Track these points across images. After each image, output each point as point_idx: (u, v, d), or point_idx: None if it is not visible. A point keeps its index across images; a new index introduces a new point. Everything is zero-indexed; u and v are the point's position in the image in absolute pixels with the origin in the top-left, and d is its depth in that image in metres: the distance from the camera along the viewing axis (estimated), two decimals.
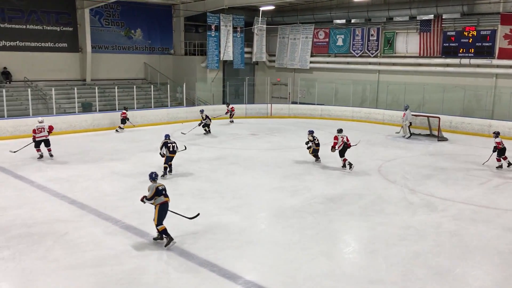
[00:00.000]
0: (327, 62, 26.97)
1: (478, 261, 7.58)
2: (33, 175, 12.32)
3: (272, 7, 24.27)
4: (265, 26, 28.04)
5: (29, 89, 19.61)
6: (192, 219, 8.57)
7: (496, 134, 13.84)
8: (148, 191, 8.10)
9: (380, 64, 24.88)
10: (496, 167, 13.85)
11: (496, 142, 13.62)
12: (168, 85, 24.24)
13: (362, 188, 11.70)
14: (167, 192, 8.17)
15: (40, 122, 14.45)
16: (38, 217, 9.17)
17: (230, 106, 23.25)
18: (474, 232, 8.84)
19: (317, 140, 14.37)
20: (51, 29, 23.04)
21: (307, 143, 14.35)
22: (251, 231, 8.83)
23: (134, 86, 22.94)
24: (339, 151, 13.57)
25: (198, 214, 8.72)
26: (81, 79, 24.18)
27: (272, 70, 29.71)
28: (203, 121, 19.44)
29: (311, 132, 14.30)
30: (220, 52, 26.68)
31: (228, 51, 27.00)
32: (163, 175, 12.14)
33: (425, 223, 9.27)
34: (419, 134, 19.56)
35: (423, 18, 22.90)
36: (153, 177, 8.28)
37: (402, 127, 19.61)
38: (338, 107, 25.18)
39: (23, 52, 22.17)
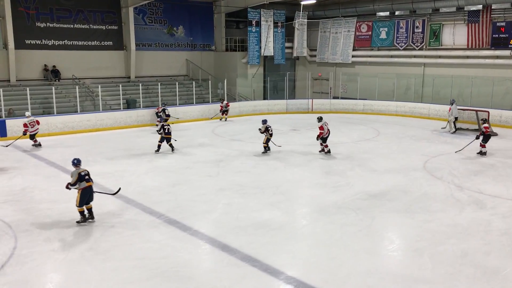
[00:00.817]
0: (370, 56, 26.45)
1: None
2: None
3: (313, 1, 24.00)
4: (306, 20, 27.79)
5: (77, 87, 20.34)
6: (115, 195, 9.45)
7: (484, 121, 14.88)
8: (71, 177, 8.56)
9: (425, 57, 24.14)
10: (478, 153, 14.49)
11: (485, 127, 14.27)
12: (210, 81, 24.50)
13: (407, 184, 11.41)
14: (91, 177, 8.75)
15: (28, 117, 15.69)
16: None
17: (225, 102, 22.49)
18: None
19: (271, 130, 14.97)
20: (97, 28, 23.76)
21: (262, 132, 14.92)
22: (292, 226, 8.80)
23: (176, 83, 23.31)
24: (322, 138, 14.42)
25: (120, 189, 9.57)
26: (125, 76, 24.82)
27: (313, 65, 29.43)
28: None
29: (264, 122, 14.98)
30: (260, 47, 26.69)
31: (268, 46, 26.97)
32: (157, 151, 14.78)
33: (473, 221, 8.94)
34: (467, 129, 18.87)
35: (471, 9, 22.02)
36: (75, 163, 8.83)
37: (448, 122, 18.97)
38: (381, 101, 24.65)
39: (71, 50, 22.97)
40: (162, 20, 26.04)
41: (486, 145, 14.44)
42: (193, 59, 27.16)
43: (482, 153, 14.40)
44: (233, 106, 23.93)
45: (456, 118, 18.60)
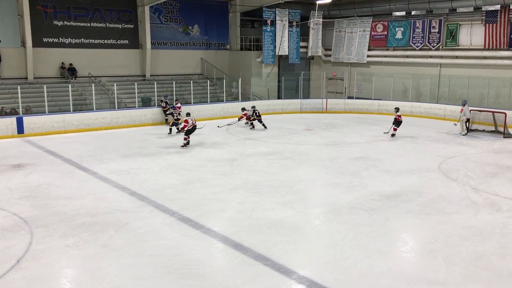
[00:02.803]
0: (385, 56, 26.26)
1: None
2: (96, 167, 12.91)
3: (328, 1, 23.90)
4: (321, 20, 27.70)
5: (93, 85, 20.56)
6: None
7: (397, 110, 17.72)
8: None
9: (441, 57, 23.88)
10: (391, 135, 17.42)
11: (398, 115, 17.37)
12: (224, 80, 24.57)
13: (421, 185, 11.31)
14: None
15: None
16: (101, 207, 9.61)
17: (178, 104, 19.97)
18: None
19: (258, 113, 18.72)
20: (114, 26, 23.99)
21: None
22: (305, 226, 8.78)
23: (191, 81, 23.43)
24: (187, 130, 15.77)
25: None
26: (141, 74, 25.03)
27: (328, 65, 29.32)
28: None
29: (253, 107, 18.73)
30: (275, 47, 26.68)
31: (283, 45, 26.94)
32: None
33: (489, 224, 8.83)
34: (483, 131, 18.62)
35: (489, 9, 21.72)
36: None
37: (460, 122, 18.57)
38: (396, 102, 24.38)
39: (88, 49, 23.25)
40: (177, 19, 26.20)
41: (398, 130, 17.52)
42: (208, 58, 27.26)
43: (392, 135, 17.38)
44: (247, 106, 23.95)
45: (468, 120, 18.24)
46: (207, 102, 23.56)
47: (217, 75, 26.50)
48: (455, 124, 18.57)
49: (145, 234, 8.23)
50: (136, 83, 21.85)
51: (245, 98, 25.13)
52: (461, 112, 18.36)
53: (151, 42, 24.52)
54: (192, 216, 9.10)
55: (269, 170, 12.74)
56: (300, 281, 6.60)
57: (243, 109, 18.84)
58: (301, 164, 13.53)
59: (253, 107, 19.22)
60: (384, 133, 18.26)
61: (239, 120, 19.98)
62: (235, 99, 25.17)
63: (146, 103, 22.47)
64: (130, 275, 6.73)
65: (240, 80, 24.34)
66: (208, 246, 7.83)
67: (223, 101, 24.35)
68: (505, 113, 18.08)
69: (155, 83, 22.61)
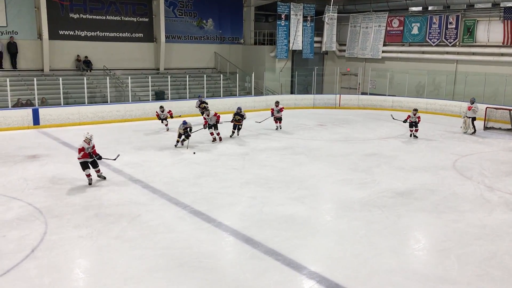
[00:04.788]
0: (401, 52, 25.94)
1: None
2: None
3: None
4: (336, 14, 27.45)
5: (107, 78, 20.71)
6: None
7: (415, 111, 16.62)
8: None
9: (458, 53, 23.54)
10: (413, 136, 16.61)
11: (408, 115, 16.63)
12: (237, 75, 24.54)
13: (435, 183, 11.20)
14: None
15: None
16: (114, 199, 9.71)
17: (167, 110, 17.73)
18: None
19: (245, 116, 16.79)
20: (129, 19, 24.09)
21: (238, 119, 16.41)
22: (316, 222, 8.77)
23: (204, 75, 23.46)
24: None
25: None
26: (155, 68, 25.11)
27: (342, 60, 29.10)
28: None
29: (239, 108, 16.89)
30: (289, 41, 26.56)
31: (297, 40, 26.80)
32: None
33: (503, 223, 8.72)
34: (499, 129, 18.34)
35: (508, 5, 21.32)
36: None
37: (465, 122, 17.80)
38: (411, 98, 24.18)
39: (103, 42, 23.38)
40: (192, 12, 26.20)
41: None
42: (222, 52, 27.25)
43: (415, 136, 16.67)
44: (260, 100, 23.95)
45: (474, 118, 17.60)
46: (220, 96, 23.57)
47: (231, 69, 26.49)
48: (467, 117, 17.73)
49: (157, 226, 8.30)
50: (150, 77, 21.95)
51: (258, 92, 25.10)
52: (469, 110, 17.56)
53: (165, 35, 24.57)
54: (203, 209, 9.14)
55: (280, 165, 12.73)
56: (310, 276, 6.59)
57: (277, 102, 18.06)
58: (313, 159, 13.48)
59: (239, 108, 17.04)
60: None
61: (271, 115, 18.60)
62: (248, 93, 25.14)
63: (159, 96, 22.57)
64: (142, 267, 6.80)
65: (253, 74, 24.30)
66: (219, 240, 7.87)
67: (236, 95, 24.34)
68: None
69: (169, 76, 22.68)
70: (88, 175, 10.67)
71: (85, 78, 19.93)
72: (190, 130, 14.58)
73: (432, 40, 24.49)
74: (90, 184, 10.65)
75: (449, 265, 7.01)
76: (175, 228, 8.24)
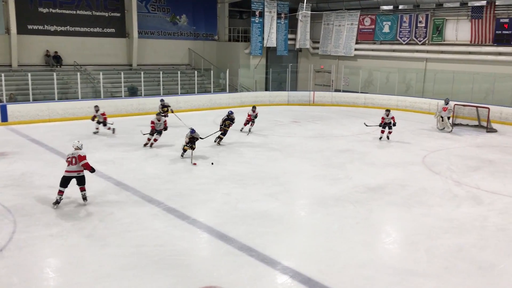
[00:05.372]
0: (372, 50, 26.36)
1: None
2: None
3: None
4: (309, 12, 27.64)
5: (78, 73, 20.31)
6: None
7: (388, 112, 15.92)
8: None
9: (428, 52, 24.06)
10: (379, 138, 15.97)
11: (382, 118, 15.85)
12: (212, 71, 24.46)
13: (405, 178, 11.46)
14: None
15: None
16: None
17: (101, 111, 15.90)
18: None
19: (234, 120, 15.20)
20: (100, 14, 23.67)
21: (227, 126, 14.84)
22: (290, 217, 8.86)
23: (178, 72, 23.28)
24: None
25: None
26: (127, 64, 24.77)
27: (316, 57, 29.36)
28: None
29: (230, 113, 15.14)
30: (263, 38, 26.61)
31: (271, 37, 26.89)
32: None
33: (470, 217, 9.00)
34: (467, 125, 18.87)
35: (475, 5, 21.92)
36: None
37: (442, 120, 18.12)
38: (383, 95, 24.63)
39: (73, 37, 22.90)
40: (165, 8, 25.93)
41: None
42: (196, 49, 27.08)
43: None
44: (234, 97, 23.98)
45: (448, 117, 18.00)
46: (195, 93, 23.45)
47: (205, 66, 26.37)
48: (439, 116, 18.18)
49: (130, 224, 8.22)
50: (122, 73, 21.65)
51: (233, 89, 25.09)
52: (444, 110, 17.94)
53: (138, 31, 24.24)
54: (177, 206, 9.10)
55: (255, 162, 12.78)
56: (284, 271, 6.66)
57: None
58: (287, 156, 13.59)
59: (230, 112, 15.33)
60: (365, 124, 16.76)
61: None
62: (223, 90, 25.10)
63: (132, 92, 22.29)
64: (114, 265, 6.73)
65: (227, 71, 24.27)
66: (193, 237, 7.86)
67: (210, 92, 24.26)
68: (488, 108, 18.35)
69: (142, 72, 22.41)
70: (61, 192, 8.87)
71: (55, 74, 19.50)
72: (197, 140, 13.05)
73: (402, 39, 24.96)
74: (57, 203, 8.80)
75: (418, 258, 7.20)
76: (148, 226, 8.19)
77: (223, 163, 12.52)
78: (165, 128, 14.20)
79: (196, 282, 6.33)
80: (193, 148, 12.81)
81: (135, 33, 24.07)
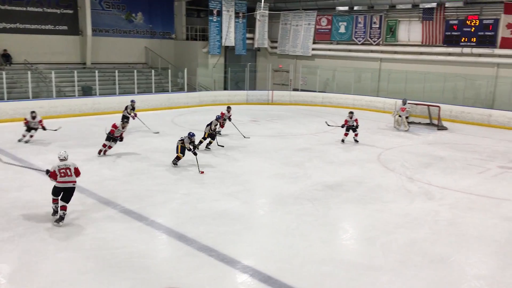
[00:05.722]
0: (329, 50, 26.82)
1: (474, 250, 7.65)
2: (33, 158, 12.35)
3: None
4: (267, 12, 27.82)
5: (29, 72, 19.55)
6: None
7: (351, 114, 15.70)
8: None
9: (382, 52, 24.74)
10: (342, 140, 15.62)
11: (345, 120, 15.51)
12: (169, 70, 24.17)
13: (361, 176, 11.74)
14: None
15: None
16: (38, 200, 9.20)
17: (38, 118, 14.49)
18: (471, 221, 8.90)
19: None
20: (51, 11, 22.85)
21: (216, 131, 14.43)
22: (250, 217, 8.88)
23: (135, 71, 22.86)
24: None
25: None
26: (81, 62, 24.05)
27: (274, 57, 29.57)
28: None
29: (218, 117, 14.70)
30: (221, 37, 26.55)
31: (230, 36, 26.85)
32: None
33: (423, 211, 9.33)
34: (419, 123, 19.54)
35: (426, 6, 22.72)
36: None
37: (397, 120, 18.60)
38: (340, 94, 25.14)
39: (23, 34, 22.01)
40: (120, 5, 25.36)
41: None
42: (153, 47, 26.65)
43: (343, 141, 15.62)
44: (193, 96, 23.81)
45: (407, 117, 18.51)
46: (152, 92, 23.08)
47: (162, 64, 26.00)
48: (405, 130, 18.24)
49: (85, 227, 8.00)
50: (75, 71, 21.00)
51: (191, 88, 24.89)
52: (403, 110, 18.39)
53: (92, 28, 23.58)
54: (135, 208, 8.94)
55: (214, 161, 12.74)
56: (244, 270, 6.68)
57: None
58: (246, 155, 13.62)
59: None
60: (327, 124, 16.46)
61: None
62: (181, 89, 24.85)
63: (86, 92, 21.67)
64: (69, 269, 6.54)
65: (186, 70, 24.04)
66: (152, 238, 7.75)
67: (168, 91, 23.94)
68: (439, 107, 19.09)
69: (96, 71, 21.82)
70: (55, 200, 8.24)
71: (4, 73, 18.70)
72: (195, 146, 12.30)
73: (358, 39, 25.53)
74: (56, 214, 8.21)
75: (374, 253, 7.40)
76: (105, 229, 7.99)
77: (182, 163, 12.38)
78: (121, 139, 13.07)
79: (155, 284, 6.24)
80: (195, 153, 11.89)
81: (89, 31, 23.40)
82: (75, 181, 8.26)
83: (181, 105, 22.93)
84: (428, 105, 19.71)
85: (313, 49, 27.48)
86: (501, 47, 20.44)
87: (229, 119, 16.51)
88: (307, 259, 7.10)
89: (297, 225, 8.46)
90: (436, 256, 7.32)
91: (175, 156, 12.07)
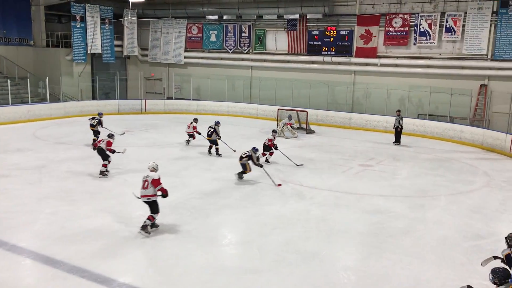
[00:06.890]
0: (202, 58, 27.01)
1: (341, 243, 8.26)
2: None
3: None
4: (135, 18, 27.10)
5: None
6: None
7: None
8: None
9: (252, 60, 25.63)
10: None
11: (269, 139, 14.12)
12: (28, 80, 22.10)
13: (238, 181, 11.97)
14: None
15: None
16: None
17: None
18: (338, 217, 9.60)
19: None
20: None
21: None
22: (125, 231, 8.49)
23: None
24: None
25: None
26: None
27: (146, 65, 28.87)
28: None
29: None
30: (87, 44, 25.14)
31: (96, 43, 25.56)
32: None
33: (295, 211, 9.83)
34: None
35: (290, 17, 24.10)
36: None
37: (283, 130, 19.17)
38: (214, 102, 25.43)
39: None
40: None
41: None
42: (8, 55, 24.18)
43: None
44: (57, 107, 22.15)
45: (292, 128, 19.27)
46: (9, 104, 20.90)
47: (20, 74, 23.71)
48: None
49: None
50: None
51: (55, 99, 23.10)
52: (290, 125, 19.04)
53: None
54: None
55: (83, 176, 11.96)
56: None
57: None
58: (119, 167, 13.01)
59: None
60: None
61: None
62: (43, 100, 22.92)
63: None
64: None
65: (47, 79, 22.21)
66: (14, 264, 7.00)
67: (28, 102, 21.88)
68: (306, 112, 20.35)
69: None
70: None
71: None
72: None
73: (229, 47, 26.13)
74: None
75: (252, 256, 7.58)
76: None
77: (46, 180, 11.41)
78: None
79: None
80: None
81: None
82: (149, 195, 8.49)
83: (43, 117, 21.15)
84: (297, 110, 20.89)
85: (185, 57, 27.43)
86: (356, 56, 22.53)
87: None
88: (186, 269, 7.00)
89: (175, 236, 8.32)
90: (308, 252, 7.75)
91: (241, 171, 12.04)
